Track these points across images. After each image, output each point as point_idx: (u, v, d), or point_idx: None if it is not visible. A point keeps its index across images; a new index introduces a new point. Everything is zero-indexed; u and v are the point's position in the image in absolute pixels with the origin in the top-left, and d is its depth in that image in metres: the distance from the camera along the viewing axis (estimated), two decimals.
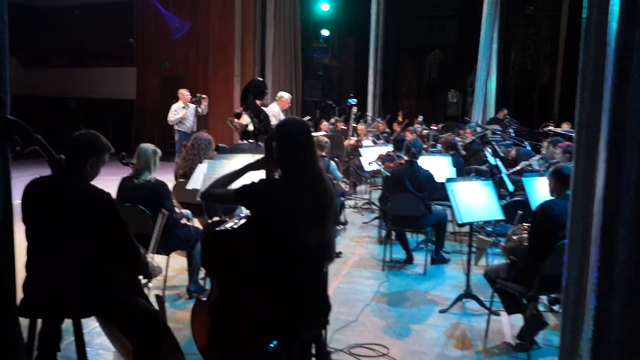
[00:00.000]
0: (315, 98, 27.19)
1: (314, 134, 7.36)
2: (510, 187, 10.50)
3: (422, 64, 31.02)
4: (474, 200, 7.47)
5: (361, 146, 15.17)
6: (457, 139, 14.39)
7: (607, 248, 2.69)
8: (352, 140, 16.52)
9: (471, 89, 27.67)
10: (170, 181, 7.80)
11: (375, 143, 16.11)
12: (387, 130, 20.17)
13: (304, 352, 4.18)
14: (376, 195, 13.76)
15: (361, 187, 17.02)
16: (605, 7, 3.23)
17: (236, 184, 4.11)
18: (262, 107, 7.59)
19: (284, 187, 3.87)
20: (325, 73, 29.12)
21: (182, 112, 16.14)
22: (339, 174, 11.32)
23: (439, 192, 8.90)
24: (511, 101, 26.76)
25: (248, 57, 23.11)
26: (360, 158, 13.60)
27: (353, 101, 19.19)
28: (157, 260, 5.35)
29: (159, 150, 7.02)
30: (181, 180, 8.46)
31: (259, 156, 4.27)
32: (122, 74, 26.09)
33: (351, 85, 29.44)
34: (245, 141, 9.62)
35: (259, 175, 4.22)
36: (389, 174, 9.47)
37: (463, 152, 14.66)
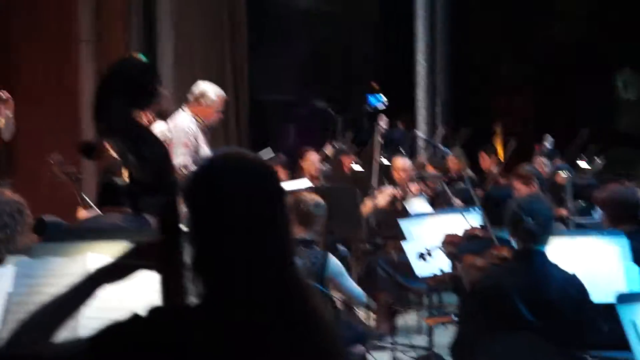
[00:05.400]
0: (286, 96, 17.20)
1: (287, 185, 6.03)
2: None
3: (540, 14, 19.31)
4: None
5: (403, 212, 9.55)
6: None
7: None
8: (383, 197, 10.36)
9: None
10: None
11: (435, 204, 10.21)
12: (469, 174, 12.13)
13: None
14: (443, 336, 8.33)
15: (407, 319, 10.12)
16: None
17: (85, 323, 2.83)
18: (154, 124, 5.63)
19: (203, 326, 2.41)
20: (304, 33, 17.64)
21: None
22: (355, 288, 7.49)
23: (600, 325, 6.17)
24: None
25: None
26: (403, 244, 8.05)
27: (379, 101, 12.34)
28: None
29: None
30: None
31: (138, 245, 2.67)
32: None
33: (372, 65, 18.57)
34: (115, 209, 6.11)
35: (141, 295, 2.85)
36: (472, 285, 6.55)
37: None
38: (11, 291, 3.69)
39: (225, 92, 9.88)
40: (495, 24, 19.74)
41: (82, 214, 7.33)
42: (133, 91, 2.55)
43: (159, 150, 2.61)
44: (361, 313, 9.20)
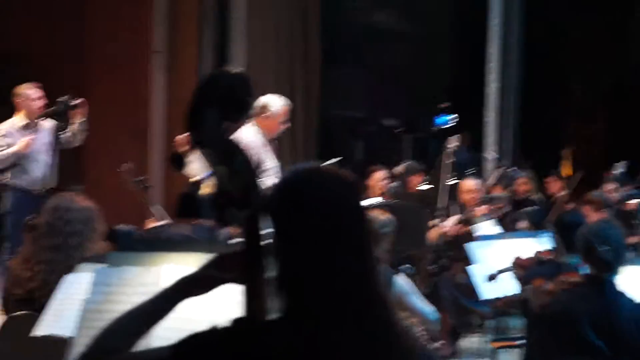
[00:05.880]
0: (355, 113, 17.32)
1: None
2: None
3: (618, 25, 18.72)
4: None
5: (471, 235, 9.28)
6: None
7: None
8: (450, 225, 10.11)
9: None
10: None
11: (502, 226, 9.95)
12: (538, 197, 12.78)
13: None
14: None
15: (470, 342, 9.81)
16: None
17: (164, 333, 2.63)
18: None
19: (284, 340, 2.36)
20: (380, 52, 17.56)
21: (21, 141, 8.93)
22: (425, 306, 7.17)
23: None
24: None
25: (186, 8, 12.74)
26: (471, 266, 8.01)
27: (447, 121, 12.05)
28: None
29: None
30: (18, 314, 5.07)
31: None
32: None
33: (442, 85, 18.12)
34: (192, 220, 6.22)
35: (222, 308, 2.81)
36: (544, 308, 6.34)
37: None
38: (87, 298, 3.70)
39: (295, 106, 9.87)
40: (568, 45, 19.38)
41: (151, 223, 7.37)
42: (227, 103, 2.56)
43: (249, 164, 2.60)
44: (424, 334, 8.57)
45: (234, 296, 2.64)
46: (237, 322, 2.46)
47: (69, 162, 9.50)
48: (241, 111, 2.58)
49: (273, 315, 2.48)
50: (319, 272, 2.43)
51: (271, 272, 2.48)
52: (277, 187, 2.53)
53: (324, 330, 2.42)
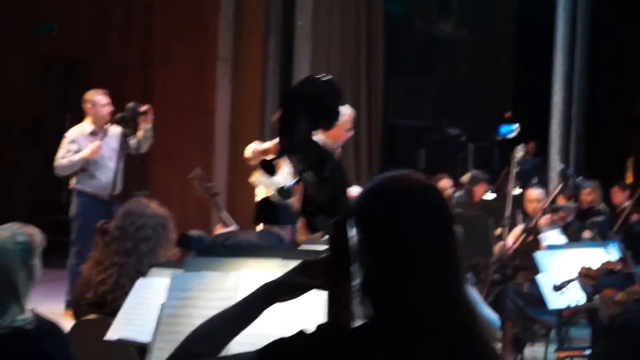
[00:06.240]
0: (419, 122, 16.78)
1: None
2: None
3: None
4: None
5: (537, 244, 9.02)
6: None
7: None
8: (513, 238, 9.51)
9: None
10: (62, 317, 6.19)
11: (567, 235, 9.66)
12: (604, 206, 12.37)
13: None
14: None
15: (533, 352, 9.41)
16: None
17: (249, 339, 2.61)
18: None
19: (370, 348, 2.33)
20: (444, 60, 18.31)
21: (89, 147, 8.88)
22: (488, 313, 6.81)
23: None
24: None
25: (252, 15, 12.67)
26: (539, 276, 7.71)
27: (511, 131, 11.86)
28: None
29: (36, 243, 4.01)
30: (90, 317, 5.14)
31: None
32: None
33: (507, 94, 18.29)
34: (266, 225, 6.26)
35: (304, 315, 2.93)
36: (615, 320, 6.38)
37: None
38: (164, 302, 3.71)
39: (359, 115, 9.80)
40: (633, 55, 19.13)
41: (219, 229, 7.37)
42: (317, 110, 2.55)
43: (339, 171, 2.57)
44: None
45: (313, 302, 2.67)
46: (323, 328, 2.43)
47: (134, 168, 9.53)
48: (330, 118, 2.56)
49: (357, 322, 2.44)
50: (406, 280, 2.39)
51: (357, 279, 2.44)
52: (364, 194, 2.50)
53: (411, 338, 2.38)
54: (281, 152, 2.55)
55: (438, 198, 2.51)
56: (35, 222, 4.19)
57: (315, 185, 2.52)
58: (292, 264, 3.45)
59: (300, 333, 2.42)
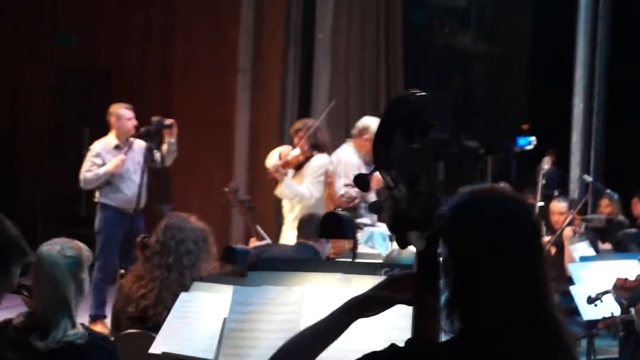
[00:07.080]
0: (437, 134, 14.68)
1: None
2: None
3: None
4: None
5: (562, 256, 9.20)
6: None
7: None
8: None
9: None
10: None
11: (595, 244, 9.71)
12: (623, 218, 12.03)
13: None
14: None
15: None
16: None
17: (336, 354, 2.64)
18: (315, 156, 6.30)
19: None
20: (463, 73, 18.43)
21: (113, 161, 8.88)
22: None
23: None
24: None
25: (272, 28, 12.47)
26: (572, 287, 7.57)
27: (528, 143, 12.11)
28: None
29: (85, 257, 4.01)
30: (130, 331, 5.14)
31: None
32: None
33: (525, 106, 18.34)
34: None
35: (388, 330, 2.98)
36: None
37: None
38: (227, 317, 3.72)
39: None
40: None
41: (254, 242, 7.31)
42: (413, 126, 2.53)
43: (433, 186, 2.55)
44: None
45: (407, 317, 2.60)
46: (412, 343, 2.41)
47: (155, 181, 9.45)
48: (426, 133, 2.55)
49: (444, 337, 2.43)
50: (494, 295, 2.36)
51: (444, 294, 2.42)
52: (451, 208, 2.47)
53: (499, 353, 2.36)
54: (376, 167, 2.53)
55: (523, 210, 2.49)
56: (53, 235, 4.15)
57: (409, 200, 2.48)
58: (353, 278, 3.41)
59: (392, 346, 2.39)
